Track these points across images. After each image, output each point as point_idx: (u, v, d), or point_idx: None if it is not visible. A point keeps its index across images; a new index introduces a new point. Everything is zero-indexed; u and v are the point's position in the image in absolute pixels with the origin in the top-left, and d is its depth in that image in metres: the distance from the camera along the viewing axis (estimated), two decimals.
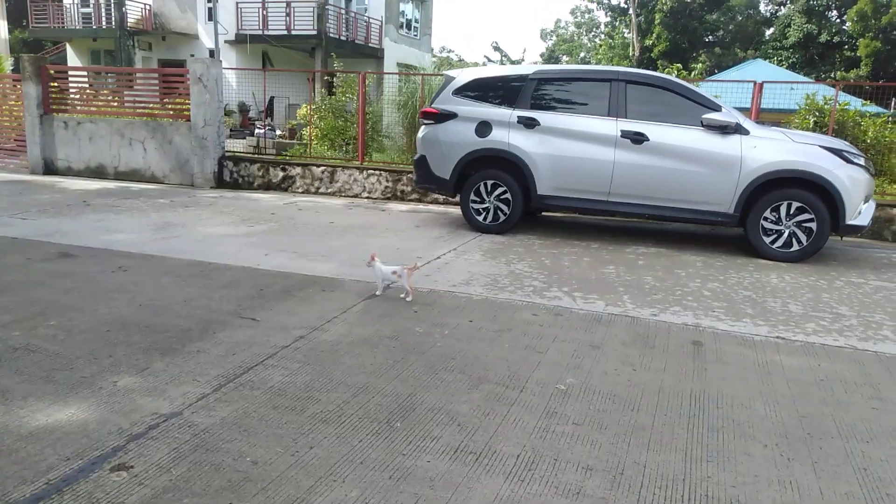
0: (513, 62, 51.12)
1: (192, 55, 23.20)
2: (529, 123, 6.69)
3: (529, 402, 2.96)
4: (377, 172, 9.84)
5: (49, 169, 11.28)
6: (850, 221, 5.91)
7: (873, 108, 9.75)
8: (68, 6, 25.50)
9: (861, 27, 32.13)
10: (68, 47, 26.96)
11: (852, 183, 5.86)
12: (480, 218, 7.07)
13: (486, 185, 6.96)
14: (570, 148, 6.55)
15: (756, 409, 2.97)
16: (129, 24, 23.73)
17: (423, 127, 7.39)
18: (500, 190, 6.91)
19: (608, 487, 2.31)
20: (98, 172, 11.04)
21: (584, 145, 6.50)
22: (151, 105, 10.99)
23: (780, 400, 3.08)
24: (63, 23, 25.65)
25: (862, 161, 6.05)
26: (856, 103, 9.46)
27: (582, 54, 53.46)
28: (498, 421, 2.77)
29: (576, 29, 55.60)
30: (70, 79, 12.21)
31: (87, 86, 12.51)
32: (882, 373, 3.47)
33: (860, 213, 5.97)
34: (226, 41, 23.18)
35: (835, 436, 2.75)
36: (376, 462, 2.42)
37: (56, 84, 11.34)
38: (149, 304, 4.17)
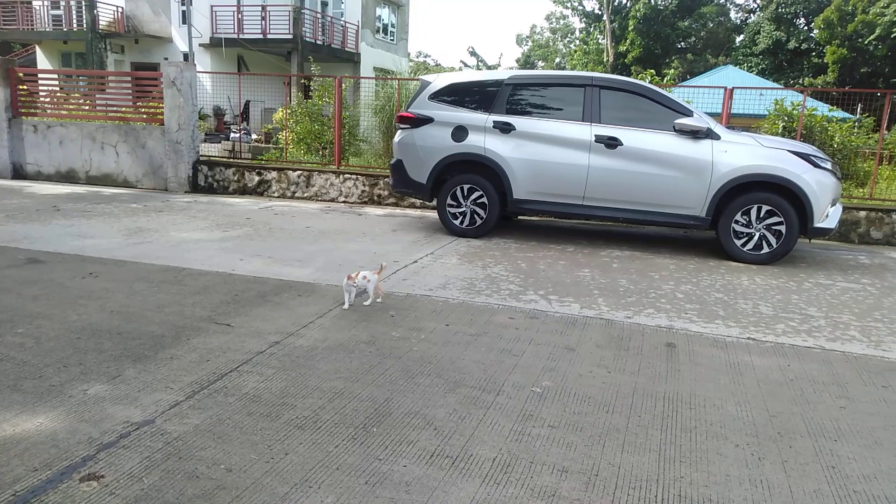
0: (489, 67, 51.40)
1: (166, 58, 22.93)
2: (505, 128, 6.73)
3: (505, 406, 2.97)
4: (354, 177, 9.81)
5: (18, 173, 11.04)
6: (818, 224, 6.04)
7: (840, 114, 10.00)
8: (38, 8, 24.97)
9: (828, 35, 32.93)
10: (38, 49, 26.41)
11: (820, 187, 6.00)
12: (457, 222, 7.09)
13: (462, 189, 6.99)
14: (545, 152, 6.60)
15: (728, 410, 3.02)
16: (100, 27, 23.35)
17: (399, 131, 7.39)
18: (476, 194, 6.94)
19: (583, 489, 2.33)
20: (69, 177, 10.83)
21: (558, 150, 6.56)
22: (124, 108, 10.82)
23: (750, 400, 3.14)
24: (32, 24, 25.11)
25: (829, 165, 6.19)
26: (823, 109, 9.70)
27: (557, 60, 53.94)
28: (474, 424, 2.78)
29: (551, 35, 56.13)
30: (40, 81, 11.98)
31: (57, 89, 12.28)
32: (849, 372, 3.55)
33: (828, 216, 6.11)
34: (200, 44, 22.92)
35: (804, 435, 2.80)
36: (352, 467, 2.41)
37: (25, 87, 11.12)
38: (120, 311, 4.10)
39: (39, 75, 12.86)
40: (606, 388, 3.22)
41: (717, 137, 6.20)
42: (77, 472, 2.30)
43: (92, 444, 2.49)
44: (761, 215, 6.12)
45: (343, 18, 25.48)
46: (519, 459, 2.51)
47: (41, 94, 11.52)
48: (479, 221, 6.99)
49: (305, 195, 10.05)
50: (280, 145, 11.76)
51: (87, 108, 11.30)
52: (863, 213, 7.88)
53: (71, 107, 11.35)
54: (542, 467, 2.46)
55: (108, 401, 2.86)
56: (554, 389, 3.17)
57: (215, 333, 3.75)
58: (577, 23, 51.55)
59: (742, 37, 41.79)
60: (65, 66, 25.91)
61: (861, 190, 8.89)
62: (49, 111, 11.20)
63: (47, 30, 25.14)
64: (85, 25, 22.99)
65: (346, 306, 4.20)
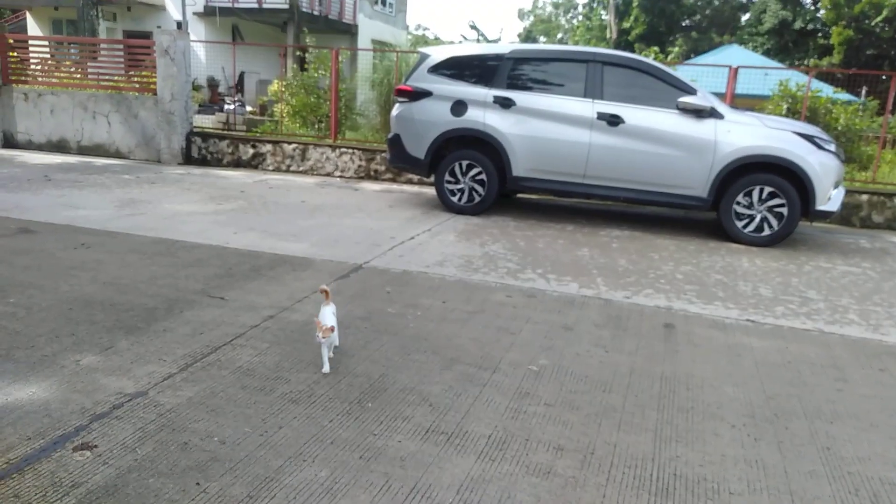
0: (489, 42, 50.75)
1: (159, 27, 22.49)
2: (505, 103, 6.64)
3: (501, 383, 2.96)
4: (350, 151, 9.71)
5: (8, 142, 10.89)
6: (820, 207, 6.00)
7: (844, 96, 9.91)
8: None
9: (834, 15, 32.59)
10: (28, 16, 25.88)
11: (823, 169, 5.95)
12: (455, 199, 7.02)
13: (461, 165, 6.91)
14: (545, 129, 6.52)
15: (725, 391, 3.01)
16: None
17: (397, 105, 7.29)
18: (475, 171, 6.86)
19: (578, 467, 2.32)
20: (60, 146, 10.69)
21: (559, 126, 6.48)
22: (116, 78, 10.64)
23: (748, 381, 3.13)
24: None
25: (833, 147, 6.13)
26: (828, 90, 9.60)
27: (559, 35, 53.34)
28: (470, 401, 2.76)
29: (553, 9, 55.44)
30: (30, 49, 11.76)
31: (48, 56, 12.06)
32: (847, 355, 3.55)
33: (830, 198, 6.06)
34: (194, 13, 22.49)
35: (800, 416, 2.80)
36: (347, 442, 2.39)
37: (15, 54, 10.91)
38: (113, 282, 4.06)
39: (30, 42, 12.62)
40: (604, 367, 3.20)
41: (720, 117, 6.13)
42: (70, 442, 2.29)
43: (85, 414, 2.48)
44: (763, 197, 6.08)
45: None
46: (514, 437, 2.50)
47: (32, 61, 11.30)
48: (477, 198, 6.93)
49: (301, 169, 9.95)
50: (275, 118, 11.61)
51: (78, 76, 11.10)
52: (865, 197, 7.85)
53: (62, 75, 11.15)
54: (538, 445, 2.45)
55: (101, 372, 2.84)
56: (551, 368, 3.16)
57: (209, 306, 3.71)
58: None
59: (748, 15, 41.32)
60: (56, 33, 25.42)
61: (864, 174, 8.83)
62: (40, 79, 11.01)
63: None
64: None
65: (325, 370, 2.96)
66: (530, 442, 2.47)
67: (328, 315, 3.03)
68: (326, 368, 2.96)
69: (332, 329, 2.94)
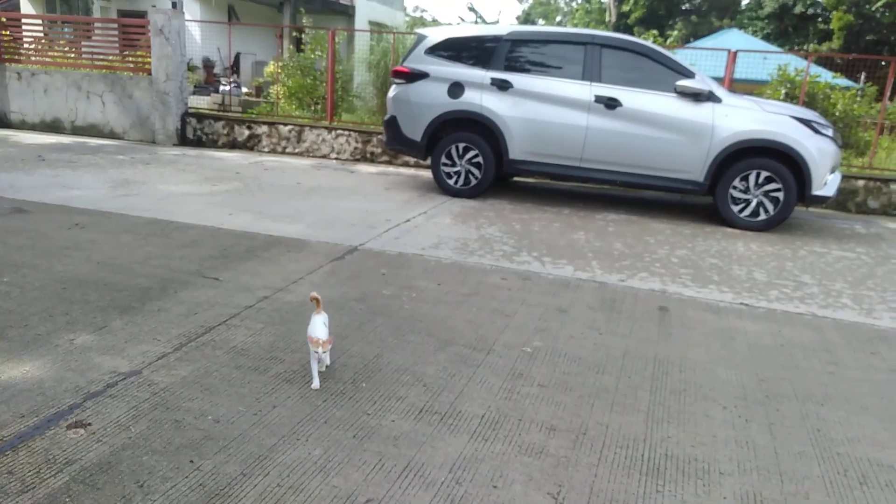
0: (488, 24, 50.13)
1: (154, 6, 22.21)
2: (503, 85, 6.59)
3: (495, 365, 2.97)
4: (346, 133, 9.64)
5: (1, 122, 10.78)
6: (816, 192, 5.99)
7: (843, 82, 9.85)
8: None
9: (835, 0, 32.29)
10: None
11: (820, 154, 5.93)
12: (451, 182, 6.99)
13: (457, 147, 6.87)
14: (543, 112, 6.48)
15: (717, 373, 3.02)
16: None
17: (393, 86, 7.22)
18: (471, 153, 6.83)
19: (571, 447, 2.34)
20: (54, 126, 10.59)
21: (557, 109, 6.44)
22: (111, 57, 10.51)
23: (741, 364, 3.14)
24: None
25: (830, 132, 6.11)
26: (826, 76, 9.55)
27: (558, 18, 52.82)
28: (464, 382, 2.77)
29: None
30: (24, 27, 11.60)
31: (42, 35, 11.90)
32: (839, 339, 3.57)
33: (826, 183, 6.05)
34: None
35: (791, 399, 2.82)
36: (340, 421, 2.40)
37: (8, 32, 10.77)
38: (107, 262, 4.04)
39: (23, 20, 12.45)
40: (597, 349, 3.21)
41: (718, 100, 6.09)
42: (64, 420, 2.30)
43: (79, 392, 2.48)
44: (760, 181, 6.06)
45: None
46: (507, 417, 2.51)
47: (25, 40, 11.16)
48: (473, 181, 6.90)
49: (296, 151, 9.89)
50: (271, 99, 11.51)
51: (72, 55, 10.96)
52: (861, 183, 7.84)
53: (56, 54, 11.01)
54: (531, 425, 2.46)
55: (95, 351, 2.84)
56: (544, 350, 3.16)
57: (203, 287, 3.71)
58: None
59: None
60: (49, 11, 25.08)
61: (861, 159, 8.82)
62: (33, 58, 10.87)
63: None
64: None
65: (315, 385, 2.67)
66: (523, 422, 2.48)
67: (319, 326, 2.74)
68: (316, 384, 2.66)
69: (329, 341, 2.70)
